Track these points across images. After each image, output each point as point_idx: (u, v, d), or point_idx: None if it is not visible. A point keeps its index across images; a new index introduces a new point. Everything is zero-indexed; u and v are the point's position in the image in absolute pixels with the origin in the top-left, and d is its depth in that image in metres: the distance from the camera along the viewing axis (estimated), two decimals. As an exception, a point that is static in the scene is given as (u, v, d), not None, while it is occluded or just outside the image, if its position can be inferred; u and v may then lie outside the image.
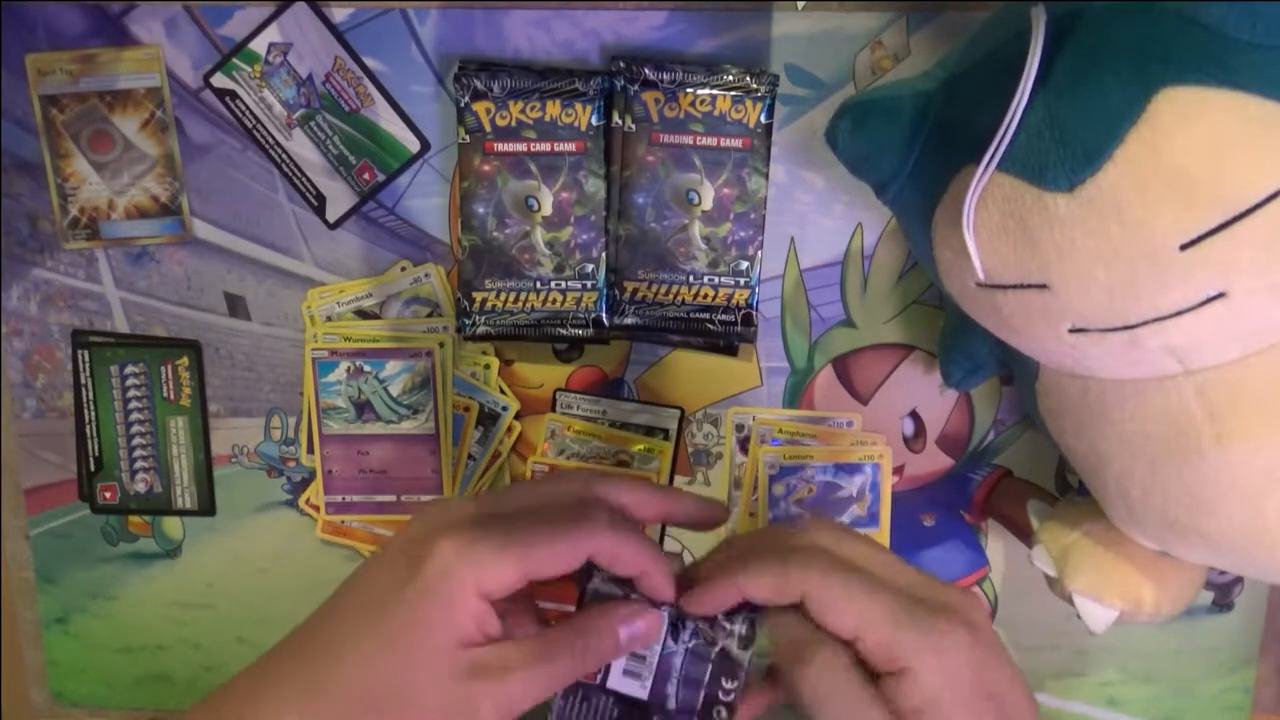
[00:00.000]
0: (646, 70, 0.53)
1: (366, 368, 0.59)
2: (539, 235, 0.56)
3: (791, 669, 0.38)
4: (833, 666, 0.38)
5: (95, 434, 0.61)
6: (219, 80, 0.57)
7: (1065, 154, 0.38)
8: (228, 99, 0.57)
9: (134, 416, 0.61)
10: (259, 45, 0.56)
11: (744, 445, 0.59)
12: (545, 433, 0.60)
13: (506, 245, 0.56)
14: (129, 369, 0.61)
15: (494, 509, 0.40)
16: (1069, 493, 0.59)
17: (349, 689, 0.37)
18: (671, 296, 0.56)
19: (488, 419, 0.60)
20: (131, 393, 0.61)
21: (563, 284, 0.56)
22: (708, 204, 0.55)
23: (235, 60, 0.56)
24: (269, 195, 0.58)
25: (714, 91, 0.54)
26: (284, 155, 0.57)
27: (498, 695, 0.37)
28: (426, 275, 0.59)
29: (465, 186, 0.55)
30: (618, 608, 0.41)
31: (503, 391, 0.59)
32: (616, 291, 0.56)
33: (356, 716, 0.37)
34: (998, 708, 0.37)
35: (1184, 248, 0.37)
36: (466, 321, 0.57)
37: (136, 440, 0.61)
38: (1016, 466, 0.59)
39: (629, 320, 0.56)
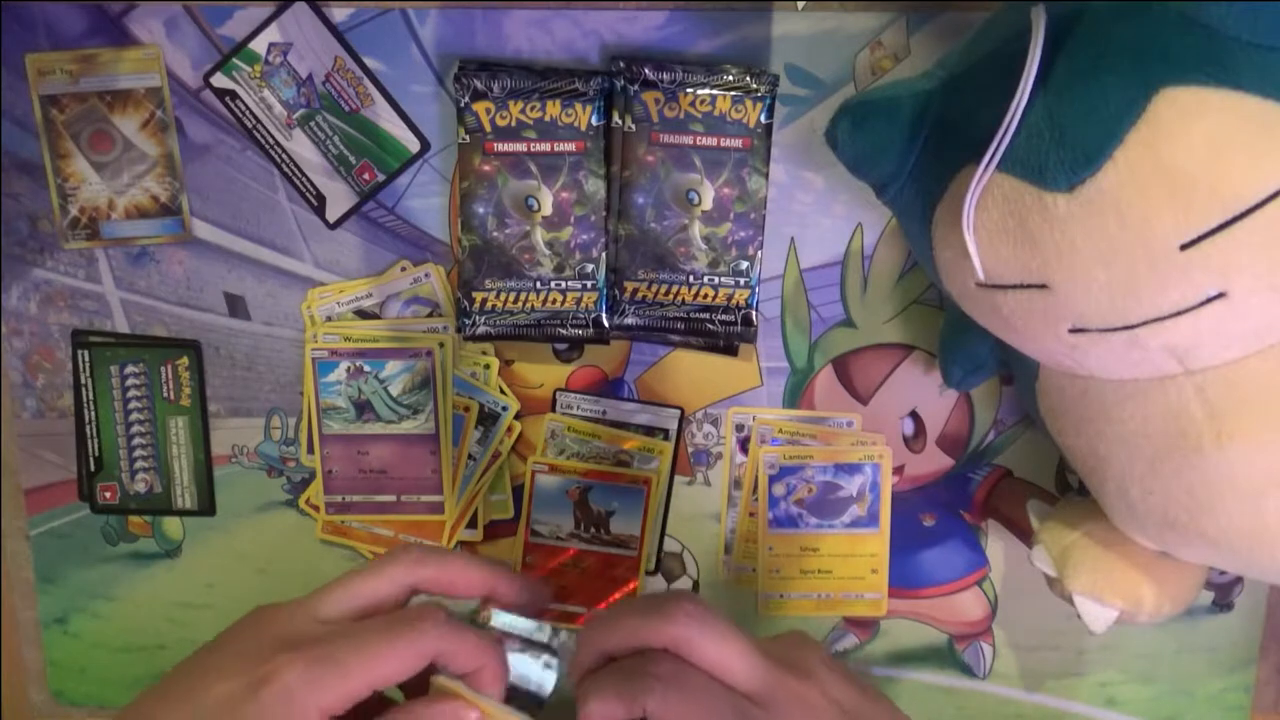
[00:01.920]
0: (646, 70, 0.53)
1: (366, 368, 0.59)
2: (539, 235, 0.56)
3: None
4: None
5: (95, 434, 0.61)
6: (219, 80, 0.57)
7: (1065, 154, 0.38)
8: (228, 99, 0.57)
9: (134, 416, 0.61)
10: (259, 45, 0.56)
11: (744, 445, 0.59)
12: (545, 433, 0.60)
13: (506, 245, 0.56)
14: (129, 369, 0.61)
15: (327, 615, 0.40)
16: (1069, 493, 0.59)
17: None
18: (671, 296, 0.56)
19: (488, 419, 0.60)
20: (131, 393, 0.61)
21: (563, 284, 0.56)
22: (708, 204, 0.55)
23: (235, 60, 0.56)
24: (269, 195, 0.58)
25: (714, 91, 0.54)
26: (284, 155, 0.57)
27: None
28: (426, 275, 0.59)
29: (465, 186, 0.55)
30: (444, 709, 0.40)
31: (503, 391, 0.59)
32: (616, 291, 0.56)
33: None
34: None
35: (1184, 248, 0.37)
36: (466, 321, 0.57)
37: (136, 440, 0.61)
38: (1016, 466, 0.59)
39: (629, 320, 0.56)
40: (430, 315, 0.59)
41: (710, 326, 0.56)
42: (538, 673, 0.43)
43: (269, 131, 0.57)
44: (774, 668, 0.39)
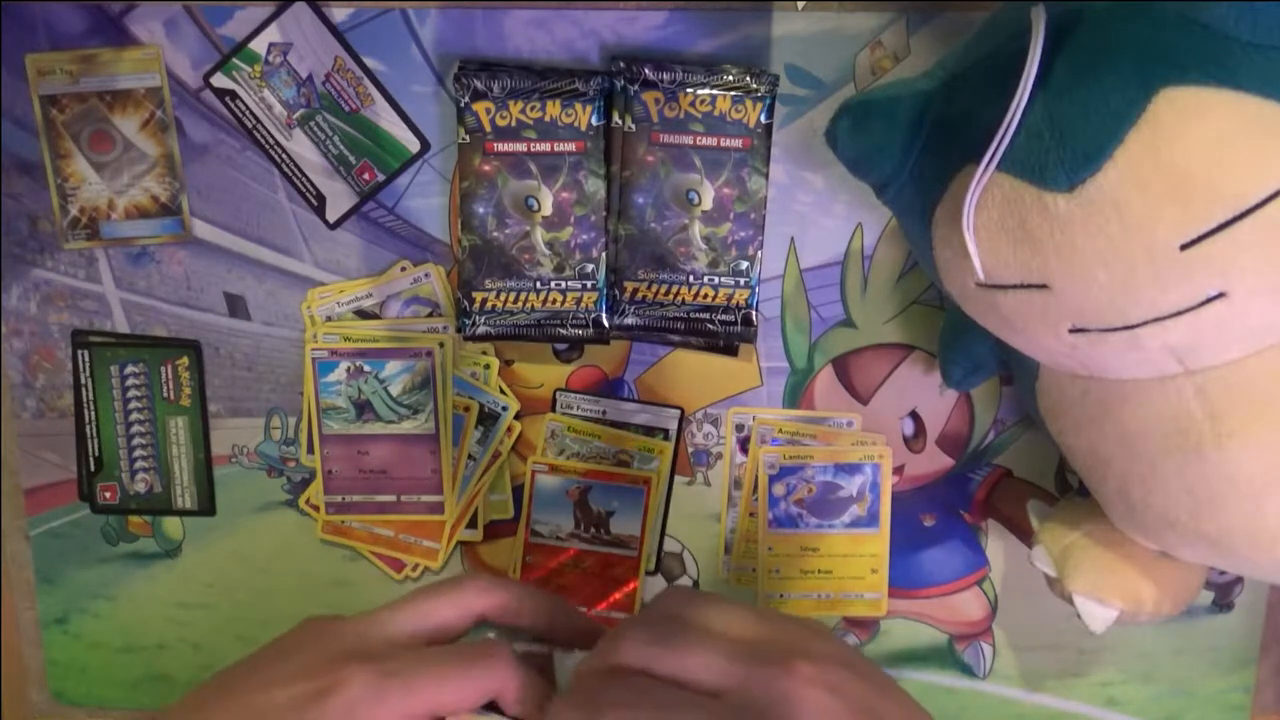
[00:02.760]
0: (646, 70, 0.53)
1: (366, 368, 0.59)
2: (539, 235, 0.56)
3: None
4: None
5: (95, 434, 0.61)
6: (219, 80, 0.57)
7: (1065, 154, 0.38)
8: (228, 99, 0.57)
9: (134, 416, 0.61)
10: (259, 45, 0.56)
11: (744, 445, 0.59)
12: (545, 433, 0.60)
13: (506, 245, 0.56)
14: (129, 369, 0.61)
15: (395, 634, 0.40)
16: (1069, 493, 0.59)
17: None
18: (671, 296, 0.56)
19: (488, 419, 0.60)
20: (131, 393, 0.61)
21: (563, 284, 0.56)
22: (708, 204, 0.55)
23: (235, 60, 0.56)
24: (269, 195, 0.58)
25: (714, 91, 0.54)
26: (284, 155, 0.57)
27: None
28: (426, 275, 0.59)
29: (465, 186, 0.55)
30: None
31: (503, 391, 0.59)
32: (616, 291, 0.56)
33: None
34: None
35: (1184, 248, 0.37)
36: (466, 321, 0.57)
37: (136, 440, 0.61)
38: (1016, 466, 0.59)
39: (629, 320, 0.56)
40: (430, 315, 0.59)
41: (710, 326, 0.56)
42: None
43: (269, 131, 0.57)
44: (748, 663, 0.36)
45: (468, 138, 0.55)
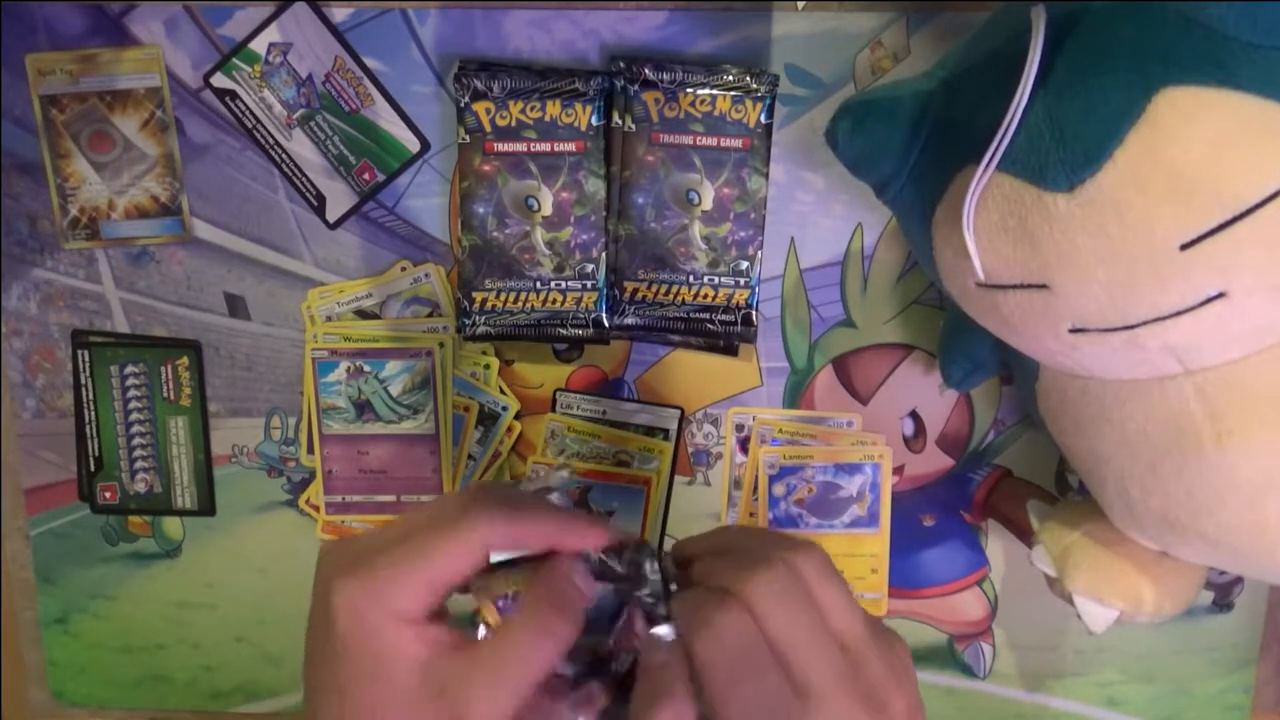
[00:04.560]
0: (646, 70, 0.53)
1: (366, 368, 0.59)
2: (539, 235, 0.56)
3: (692, 633, 0.36)
4: (735, 630, 0.36)
5: (95, 434, 0.61)
6: (219, 80, 0.57)
7: (1065, 154, 0.38)
8: (228, 99, 0.57)
9: (134, 416, 0.61)
10: (259, 45, 0.56)
11: (744, 445, 0.59)
12: (545, 433, 0.60)
13: (506, 245, 0.56)
14: (129, 369, 0.61)
15: (381, 534, 0.38)
16: (1069, 493, 0.59)
17: None
18: (671, 296, 0.56)
19: (488, 419, 0.60)
20: (131, 393, 0.61)
21: (563, 284, 0.56)
22: (708, 204, 0.55)
23: (235, 60, 0.56)
24: (269, 195, 0.58)
25: (714, 91, 0.54)
26: (284, 155, 0.57)
27: (490, 697, 0.35)
28: (426, 275, 0.59)
29: (465, 186, 0.55)
30: (561, 561, 0.38)
31: (503, 391, 0.59)
32: (616, 291, 0.56)
33: None
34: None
35: (1184, 248, 0.37)
36: (466, 321, 0.57)
37: (136, 440, 0.61)
38: (1016, 466, 0.59)
39: (629, 320, 0.56)
40: (430, 315, 0.59)
41: (710, 326, 0.56)
42: None
43: (269, 131, 0.57)
44: (875, 636, 0.37)
45: (468, 138, 0.55)
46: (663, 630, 0.37)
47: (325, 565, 0.38)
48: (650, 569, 0.39)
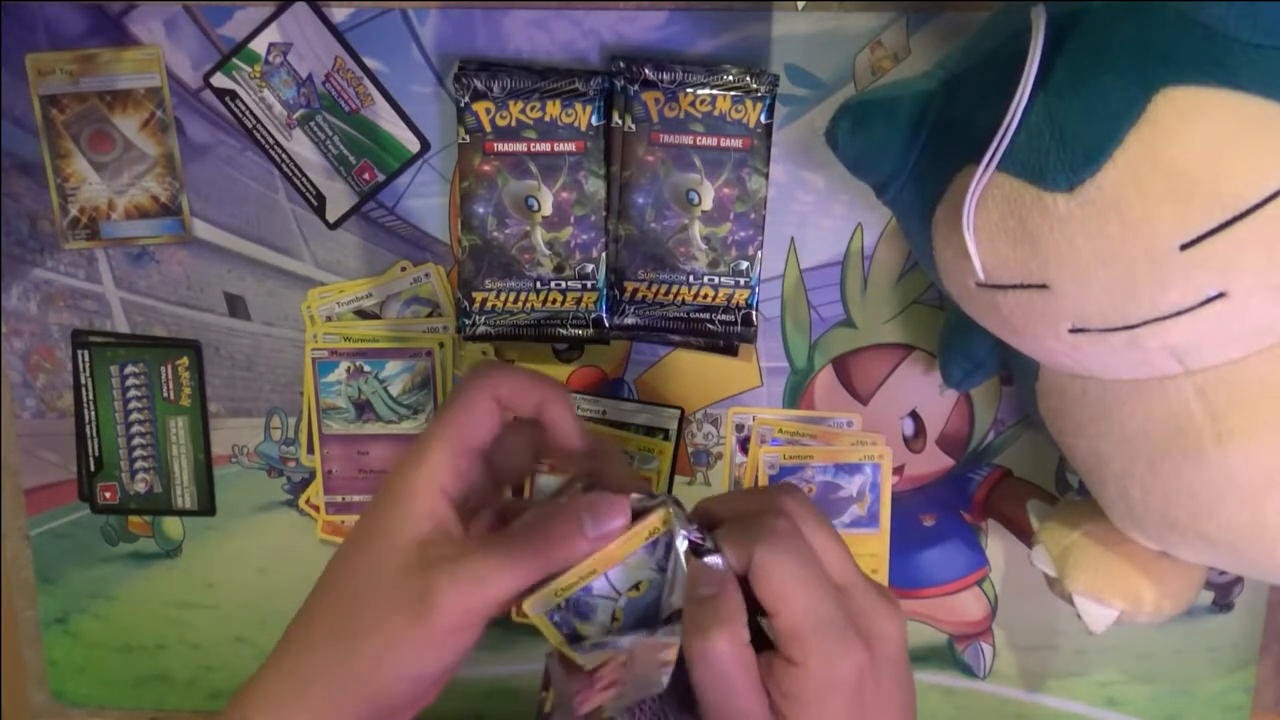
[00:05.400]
0: (646, 70, 0.53)
1: (366, 368, 0.59)
2: (539, 235, 0.56)
3: (690, 637, 0.38)
4: (791, 536, 0.39)
5: (95, 434, 0.61)
6: (219, 80, 0.57)
7: (1065, 154, 0.38)
8: (228, 99, 0.57)
9: (134, 416, 0.61)
10: (259, 45, 0.56)
11: (744, 445, 0.59)
12: (545, 433, 0.60)
13: (506, 245, 0.56)
14: (129, 369, 0.61)
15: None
16: (1069, 493, 0.59)
17: (329, 604, 0.40)
18: (671, 296, 0.56)
19: (488, 419, 0.60)
20: (131, 393, 0.61)
21: (563, 284, 0.56)
22: (708, 204, 0.55)
23: (235, 60, 0.56)
24: (269, 195, 0.58)
25: (714, 91, 0.54)
26: (284, 155, 0.57)
27: (456, 587, 0.38)
28: (426, 275, 0.59)
29: (465, 186, 0.55)
30: (577, 499, 0.40)
31: (503, 391, 0.59)
32: (616, 291, 0.56)
33: (334, 628, 0.39)
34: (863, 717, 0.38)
35: (1184, 248, 0.37)
36: (466, 321, 0.57)
37: (136, 440, 0.61)
38: (1016, 466, 0.59)
39: (629, 320, 0.56)
40: (430, 315, 0.59)
41: (710, 326, 0.56)
42: None
43: (269, 131, 0.57)
44: (859, 575, 0.41)
45: (468, 138, 0.55)
46: (713, 560, 0.39)
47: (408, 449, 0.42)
48: (682, 514, 0.40)
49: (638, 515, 0.40)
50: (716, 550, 0.39)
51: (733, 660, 0.37)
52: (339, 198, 0.58)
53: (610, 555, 0.39)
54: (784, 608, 0.38)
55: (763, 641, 0.38)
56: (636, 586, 0.40)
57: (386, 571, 0.38)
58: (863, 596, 0.40)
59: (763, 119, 0.54)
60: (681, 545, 0.39)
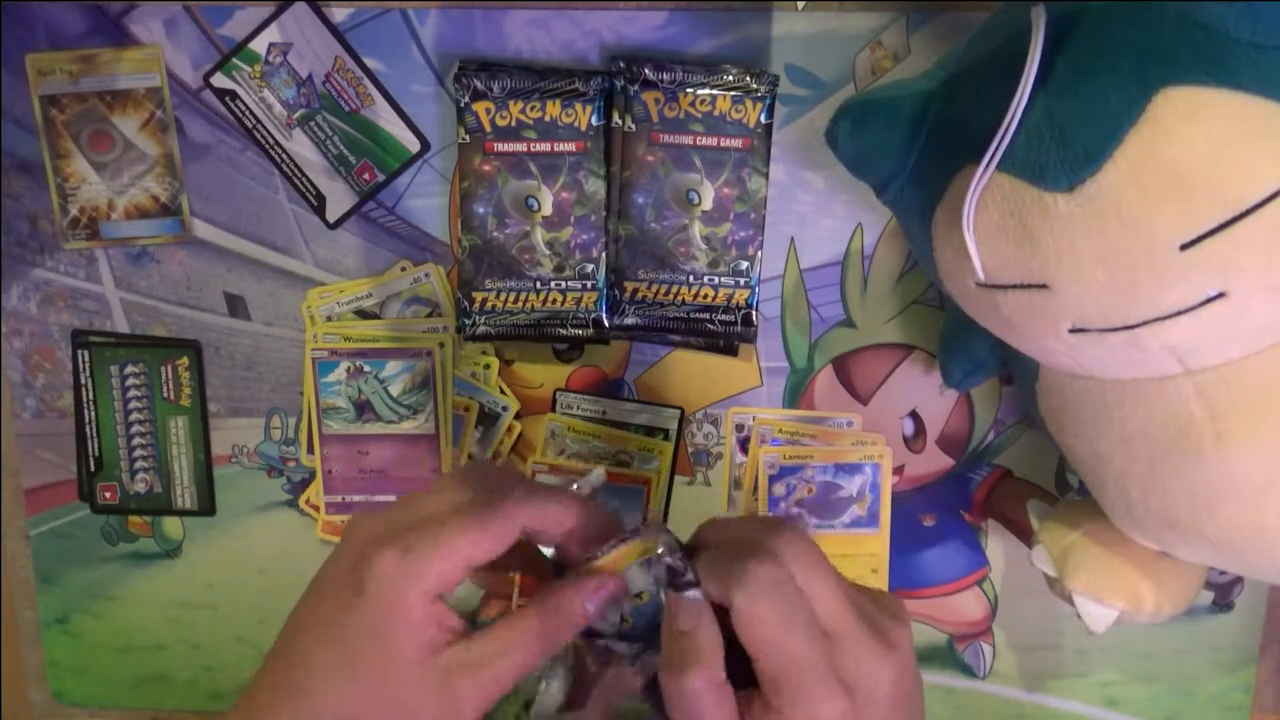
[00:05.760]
0: (646, 70, 0.53)
1: (366, 368, 0.59)
2: (539, 235, 0.56)
3: (665, 674, 0.38)
4: (772, 575, 0.38)
5: (95, 434, 0.61)
6: (219, 80, 0.57)
7: (1065, 154, 0.38)
8: (228, 99, 0.57)
9: (134, 416, 0.61)
10: (259, 45, 0.56)
11: (744, 445, 0.59)
12: (545, 433, 0.60)
13: (506, 245, 0.56)
14: (129, 369, 0.61)
15: (417, 511, 0.41)
16: (1069, 493, 0.59)
17: None
18: (671, 296, 0.56)
19: (488, 419, 0.60)
20: (131, 393, 0.61)
21: (563, 284, 0.56)
22: (708, 204, 0.55)
23: (235, 60, 0.56)
24: (269, 195, 0.58)
25: (714, 91, 0.54)
26: (284, 155, 0.57)
27: (478, 689, 0.38)
28: (426, 275, 0.59)
29: (465, 186, 0.55)
30: (583, 581, 0.40)
31: (503, 391, 0.59)
32: (616, 291, 0.56)
33: None
34: None
35: (1184, 248, 0.37)
36: (466, 321, 0.57)
37: (136, 440, 0.61)
38: (1016, 466, 0.59)
39: (629, 320, 0.56)
40: (430, 315, 0.59)
41: (710, 326, 0.56)
42: None
43: (269, 131, 0.57)
44: (858, 618, 0.39)
45: (468, 138, 0.55)
46: (692, 594, 0.39)
47: (360, 532, 0.40)
48: (669, 539, 0.40)
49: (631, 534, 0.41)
50: (696, 584, 0.39)
51: (706, 700, 0.37)
52: (339, 198, 0.58)
53: (607, 570, 0.40)
54: (762, 653, 0.37)
55: (750, 674, 0.38)
56: (639, 595, 0.40)
57: (405, 691, 0.38)
58: (853, 642, 0.38)
59: (763, 119, 0.54)
60: (660, 576, 0.39)
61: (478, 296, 0.56)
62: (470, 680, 0.38)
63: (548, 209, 0.55)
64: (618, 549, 0.40)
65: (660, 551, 0.39)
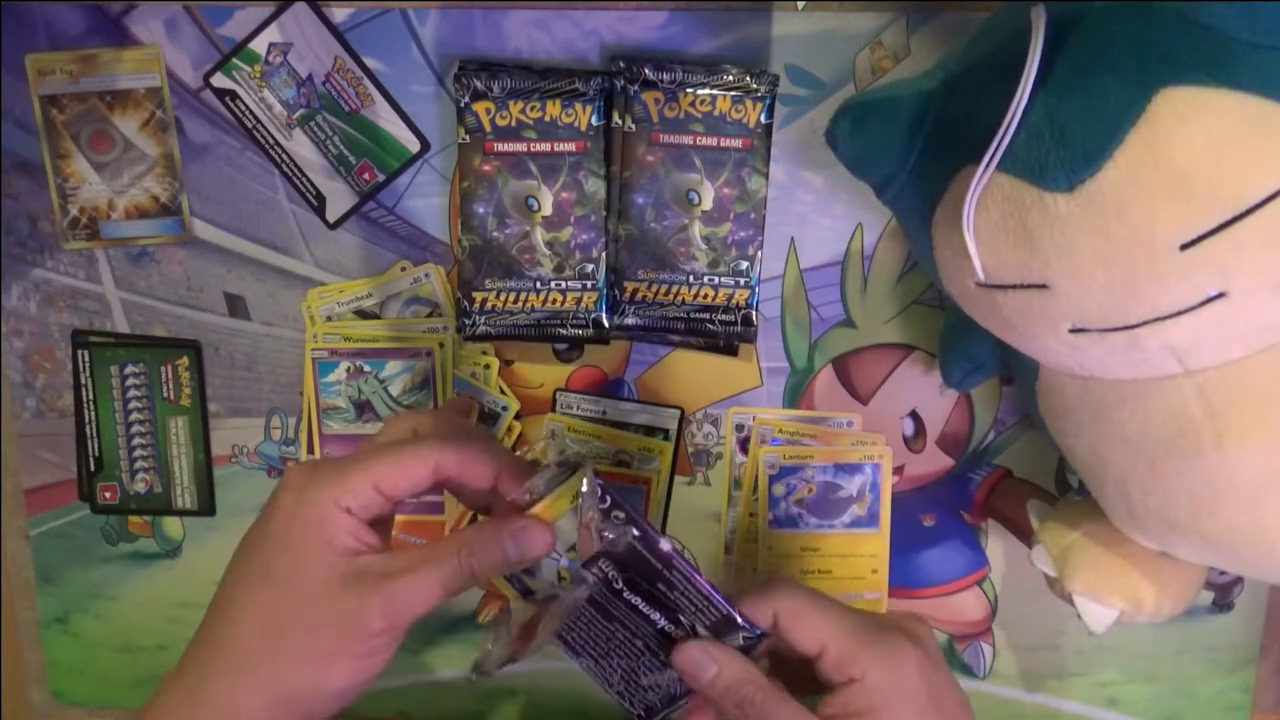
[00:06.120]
0: (646, 70, 0.53)
1: (366, 368, 0.59)
2: (539, 235, 0.56)
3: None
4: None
5: (95, 434, 0.61)
6: (219, 80, 0.57)
7: (1065, 154, 0.38)
8: (228, 99, 0.57)
9: (134, 416, 0.61)
10: (259, 45, 0.56)
11: (744, 445, 0.59)
12: (545, 433, 0.60)
13: (506, 245, 0.56)
14: (129, 369, 0.61)
15: (342, 454, 0.43)
16: (1069, 493, 0.59)
17: (250, 632, 0.40)
18: (671, 296, 0.56)
19: (488, 419, 0.60)
20: (131, 393, 0.61)
21: (563, 284, 0.56)
22: (708, 204, 0.55)
23: (235, 60, 0.56)
24: (269, 195, 0.58)
25: (714, 91, 0.54)
26: (284, 155, 0.57)
27: (385, 599, 0.39)
28: (426, 275, 0.59)
29: (465, 186, 0.55)
30: (509, 521, 0.41)
31: (503, 391, 0.59)
32: (616, 291, 0.56)
33: (262, 656, 0.39)
34: (939, 711, 0.41)
35: (1184, 248, 0.37)
36: (466, 321, 0.57)
37: (136, 440, 0.61)
38: (1016, 466, 0.59)
39: (629, 320, 0.56)
40: (430, 315, 0.59)
41: (710, 326, 0.56)
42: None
43: (269, 131, 0.57)
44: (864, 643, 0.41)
45: (468, 138, 0.55)
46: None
47: (284, 475, 0.42)
48: (593, 481, 0.41)
49: (561, 468, 0.42)
50: (627, 517, 0.40)
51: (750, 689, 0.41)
52: (339, 198, 0.58)
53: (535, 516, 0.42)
54: (825, 639, 0.40)
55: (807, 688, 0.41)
56: (573, 548, 0.41)
57: (312, 591, 0.39)
58: (883, 617, 0.42)
59: (763, 119, 0.54)
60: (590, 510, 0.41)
61: (478, 296, 0.56)
62: (377, 592, 0.38)
63: (548, 209, 0.55)
64: (545, 500, 0.41)
65: (585, 489, 0.40)
